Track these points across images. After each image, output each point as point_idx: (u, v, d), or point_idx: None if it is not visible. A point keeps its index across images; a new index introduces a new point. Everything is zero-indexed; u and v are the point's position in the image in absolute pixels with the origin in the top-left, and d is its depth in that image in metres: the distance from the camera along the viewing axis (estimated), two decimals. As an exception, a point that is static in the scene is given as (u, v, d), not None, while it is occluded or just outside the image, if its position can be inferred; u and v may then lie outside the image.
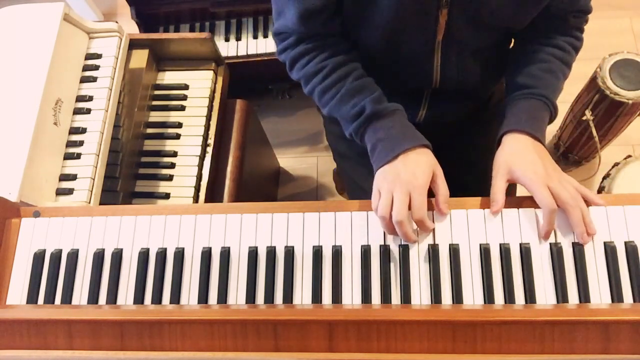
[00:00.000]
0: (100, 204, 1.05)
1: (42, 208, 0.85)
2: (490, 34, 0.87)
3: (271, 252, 0.77)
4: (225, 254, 0.78)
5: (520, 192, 0.88)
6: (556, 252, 0.73)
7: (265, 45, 1.66)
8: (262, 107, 1.96)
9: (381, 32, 0.84)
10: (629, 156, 1.40)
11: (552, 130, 1.79)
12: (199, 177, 1.21)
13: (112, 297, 0.78)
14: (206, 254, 0.78)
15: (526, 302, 0.72)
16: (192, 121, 1.26)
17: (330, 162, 1.63)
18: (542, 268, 0.73)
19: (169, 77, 1.31)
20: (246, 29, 1.68)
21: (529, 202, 0.77)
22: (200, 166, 1.22)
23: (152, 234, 0.81)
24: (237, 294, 0.77)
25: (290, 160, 1.93)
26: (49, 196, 1.00)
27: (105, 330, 0.67)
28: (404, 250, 0.75)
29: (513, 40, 0.96)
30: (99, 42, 1.16)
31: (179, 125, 1.25)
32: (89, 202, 1.01)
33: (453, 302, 0.73)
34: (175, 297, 0.77)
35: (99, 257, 0.80)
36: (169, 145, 1.24)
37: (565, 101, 1.52)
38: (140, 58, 1.23)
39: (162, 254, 0.79)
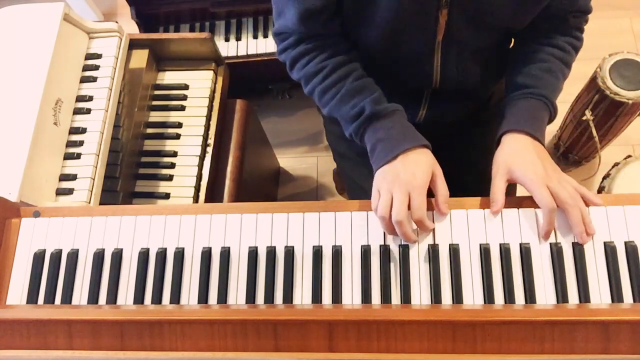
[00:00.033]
0: (100, 204, 1.05)
1: (42, 208, 0.85)
2: (490, 34, 0.87)
3: (271, 252, 0.77)
4: (225, 254, 0.78)
5: (520, 192, 0.88)
6: (556, 252, 0.73)
7: (265, 45, 1.66)
8: (262, 107, 1.96)
9: (381, 32, 0.84)
10: (629, 156, 1.40)
11: (552, 130, 1.78)
12: (199, 177, 1.21)
13: (112, 297, 0.78)
14: (206, 254, 0.78)
15: (526, 302, 0.72)
16: (192, 121, 1.26)
17: (330, 162, 1.63)
18: (542, 268, 0.73)
19: (169, 77, 1.31)
20: (246, 29, 1.68)
21: (529, 202, 0.77)
22: (200, 166, 1.22)
23: (152, 234, 0.81)
24: (237, 294, 0.77)
25: (290, 160, 1.93)
26: (49, 196, 1.00)
27: (105, 330, 0.67)
28: (404, 250, 0.75)
29: (513, 40, 0.96)
30: (99, 42, 1.16)
31: (179, 125, 1.25)
32: (89, 202, 1.01)
33: (453, 302, 0.73)
34: (175, 297, 0.77)
35: (99, 257, 0.80)
36: (169, 145, 1.24)
37: (565, 101, 1.52)
38: (140, 58, 1.23)
39: (162, 254, 0.79)
